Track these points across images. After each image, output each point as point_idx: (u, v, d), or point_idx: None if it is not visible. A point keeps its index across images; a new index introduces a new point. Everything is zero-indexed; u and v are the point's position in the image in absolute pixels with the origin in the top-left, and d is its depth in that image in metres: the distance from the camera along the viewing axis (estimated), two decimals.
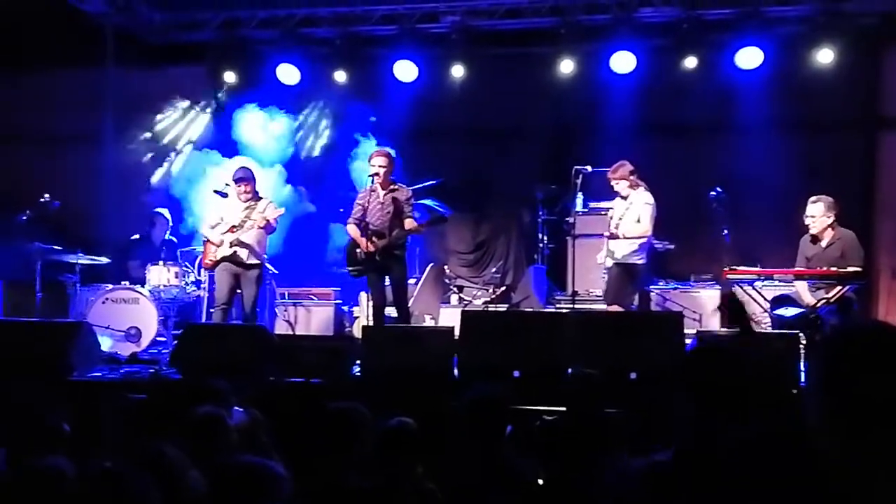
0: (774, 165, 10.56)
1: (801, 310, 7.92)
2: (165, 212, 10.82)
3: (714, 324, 9.81)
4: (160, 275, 9.80)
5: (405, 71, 11.27)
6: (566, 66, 10.99)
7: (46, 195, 9.74)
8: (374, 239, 8.43)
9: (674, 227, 10.32)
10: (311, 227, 11.19)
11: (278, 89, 11.66)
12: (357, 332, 9.89)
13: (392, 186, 8.60)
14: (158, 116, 12.14)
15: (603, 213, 9.19)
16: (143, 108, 12.04)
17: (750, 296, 8.37)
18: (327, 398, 5.43)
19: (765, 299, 8.32)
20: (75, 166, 11.64)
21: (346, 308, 10.93)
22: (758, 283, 8.23)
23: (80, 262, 9.99)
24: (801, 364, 6.56)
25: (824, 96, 10.70)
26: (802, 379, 6.48)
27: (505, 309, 10.97)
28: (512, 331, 7.16)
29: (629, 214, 8.76)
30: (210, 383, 4.76)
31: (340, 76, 11.55)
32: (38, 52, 11.37)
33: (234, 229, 8.94)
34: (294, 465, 4.07)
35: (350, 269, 8.76)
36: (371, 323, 8.51)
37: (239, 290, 8.98)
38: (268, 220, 8.83)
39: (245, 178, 9.08)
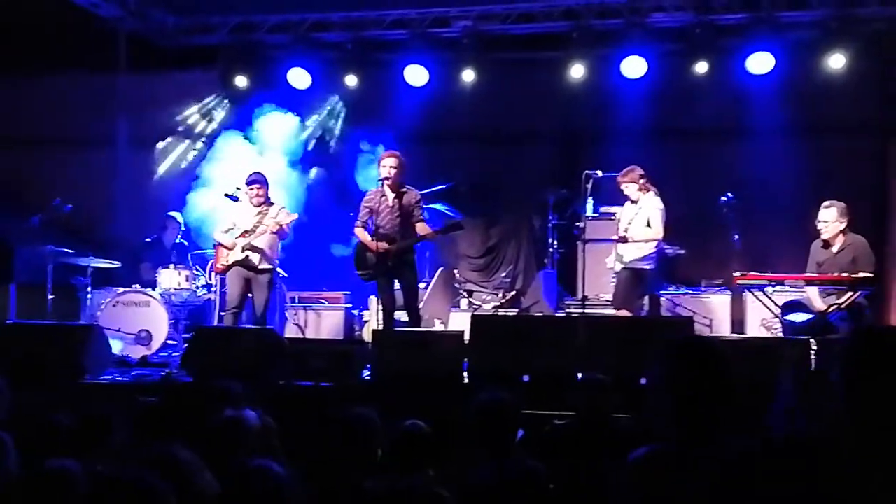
0: (785, 171, 10.54)
1: (812, 315, 7.89)
2: (178, 215, 10.85)
3: (724, 329, 9.79)
4: (171, 278, 9.83)
5: (416, 75, 11.29)
6: (577, 71, 10.99)
7: (58, 199, 9.78)
8: (384, 243, 8.39)
9: (684, 232, 10.30)
10: (321, 231, 11.21)
11: (289, 93, 11.70)
12: (367, 336, 9.89)
13: (402, 190, 8.57)
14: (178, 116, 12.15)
15: (612, 217, 9.17)
16: (155, 112, 12.07)
17: (761, 301, 8.35)
18: (337, 402, 5.44)
19: (776, 305, 8.30)
20: (88, 170, 11.70)
21: (356, 312, 10.94)
22: (768, 289, 8.22)
23: (91, 265, 10.03)
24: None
25: (836, 101, 10.68)
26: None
27: (515, 314, 10.95)
28: (522, 335, 7.16)
29: (638, 219, 8.75)
30: (224, 385, 4.76)
31: (351, 80, 11.58)
32: (51, 56, 11.42)
33: (247, 234, 8.93)
34: (304, 468, 4.08)
35: (360, 272, 8.74)
36: (381, 327, 8.50)
37: (250, 295, 8.98)
38: (281, 226, 8.82)
39: (257, 181, 9.06)
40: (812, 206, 8.29)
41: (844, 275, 7.71)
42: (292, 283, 10.78)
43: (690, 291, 10.38)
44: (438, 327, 10.33)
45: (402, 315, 8.79)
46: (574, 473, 4.25)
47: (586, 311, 9.49)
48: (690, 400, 2.73)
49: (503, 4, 11.23)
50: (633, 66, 10.76)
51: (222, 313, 9.14)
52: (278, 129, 11.60)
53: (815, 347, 6.65)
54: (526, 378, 6.83)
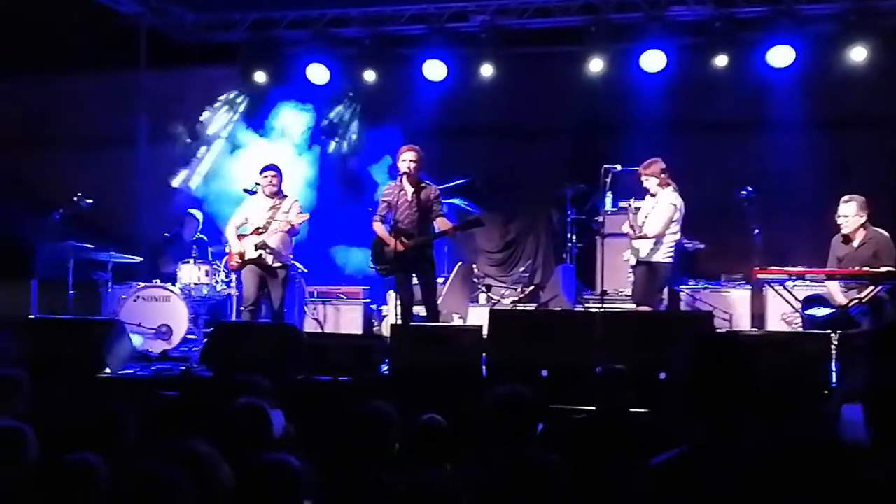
0: (806, 164, 10.49)
1: (833, 310, 7.85)
2: (196, 212, 10.89)
3: (744, 324, 9.75)
4: (191, 273, 9.87)
5: (434, 70, 11.29)
6: (596, 65, 10.96)
7: (79, 194, 9.84)
8: (402, 239, 8.39)
9: (704, 227, 10.25)
10: (342, 225, 11.24)
11: (308, 88, 11.73)
12: (386, 330, 9.90)
13: (421, 185, 8.55)
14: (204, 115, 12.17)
15: (633, 212, 9.13)
16: (175, 108, 12.12)
17: (781, 296, 8.31)
18: (355, 397, 5.46)
19: (796, 299, 8.25)
20: (108, 166, 11.78)
21: (374, 307, 10.96)
22: (789, 283, 8.17)
23: (112, 260, 10.09)
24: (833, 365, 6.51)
25: (857, 95, 10.61)
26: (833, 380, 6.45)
27: (533, 308, 10.94)
28: (540, 330, 7.14)
29: (654, 213, 8.71)
30: (249, 380, 4.78)
31: (370, 76, 11.59)
32: (72, 53, 11.50)
33: (259, 231, 8.94)
34: (322, 463, 4.10)
35: (378, 267, 8.74)
36: (399, 322, 8.51)
37: (266, 290, 8.99)
38: (292, 224, 8.81)
39: (272, 168, 9.07)
40: (832, 200, 8.22)
41: (865, 269, 7.66)
42: (311, 278, 10.80)
43: (710, 286, 10.33)
44: (457, 322, 10.33)
45: (420, 310, 8.79)
46: (592, 469, 4.24)
47: (605, 305, 9.47)
48: (713, 397, 2.72)
49: None
50: (653, 60, 10.72)
51: (241, 309, 9.17)
52: (297, 124, 11.64)
53: (835, 342, 6.61)
54: (544, 373, 6.81)
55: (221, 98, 12.18)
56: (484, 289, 11.67)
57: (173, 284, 9.85)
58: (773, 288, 8.50)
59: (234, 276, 9.80)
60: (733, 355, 2.79)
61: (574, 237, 11.13)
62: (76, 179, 11.10)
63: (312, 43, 11.65)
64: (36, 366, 7.02)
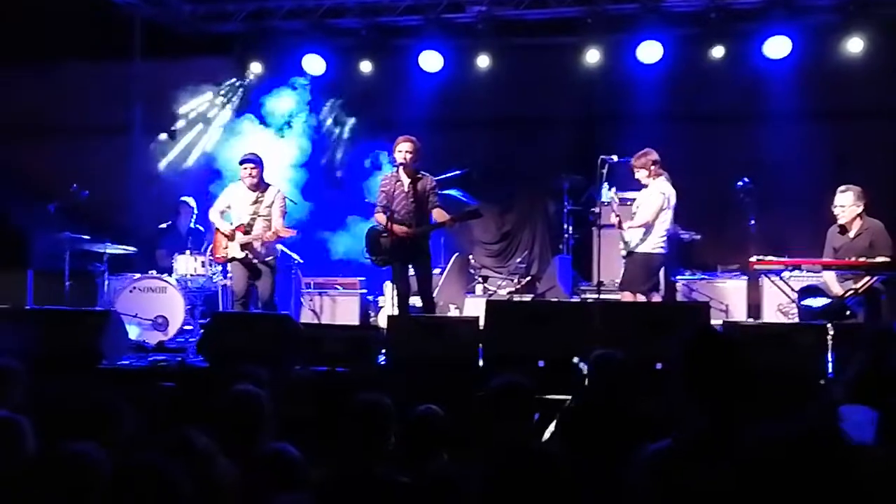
0: (802, 155, 10.49)
1: (829, 300, 7.86)
2: (190, 200, 10.87)
3: (741, 314, 9.76)
4: (187, 264, 9.86)
5: (430, 61, 11.27)
6: (592, 56, 10.96)
7: (75, 185, 9.82)
8: (403, 227, 8.37)
9: (701, 217, 10.26)
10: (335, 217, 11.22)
11: (305, 79, 11.70)
12: (382, 321, 9.90)
13: (417, 175, 8.53)
14: (184, 107, 12.13)
15: (629, 203, 9.13)
16: (171, 99, 12.09)
17: (777, 286, 8.32)
18: (352, 387, 5.45)
19: (792, 290, 8.26)
20: (104, 157, 11.76)
21: (371, 298, 10.96)
22: (785, 274, 8.18)
23: (108, 251, 10.08)
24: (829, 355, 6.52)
25: (854, 85, 10.62)
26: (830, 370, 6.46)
27: (530, 299, 10.95)
28: (537, 321, 7.14)
29: (643, 203, 8.72)
30: (245, 370, 4.77)
31: (366, 66, 11.58)
32: (67, 43, 11.45)
33: (245, 230, 8.83)
34: (319, 453, 4.10)
35: (374, 258, 8.73)
36: (396, 312, 8.51)
37: (255, 281, 8.94)
38: (279, 235, 8.71)
39: (250, 160, 8.87)
40: (829, 190, 8.23)
41: (861, 259, 7.67)
42: (308, 268, 10.79)
43: (706, 276, 10.34)
44: (454, 313, 10.34)
45: (417, 301, 8.79)
46: (590, 455, 4.24)
47: (601, 296, 9.47)
48: (708, 390, 2.73)
49: None
50: (649, 51, 10.72)
51: (234, 301, 9.14)
52: (292, 114, 11.61)
53: (831, 332, 6.62)
54: (541, 363, 6.82)
55: (212, 92, 12.17)
56: (480, 280, 11.68)
57: (169, 275, 9.84)
58: (769, 278, 8.51)
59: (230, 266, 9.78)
60: (726, 350, 2.80)
61: (570, 228, 11.14)
62: (72, 170, 11.08)
63: (309, 33, 11.62)
64: (32, 357, 7.01)
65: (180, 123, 12.02)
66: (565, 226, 11.17)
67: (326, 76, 11.77)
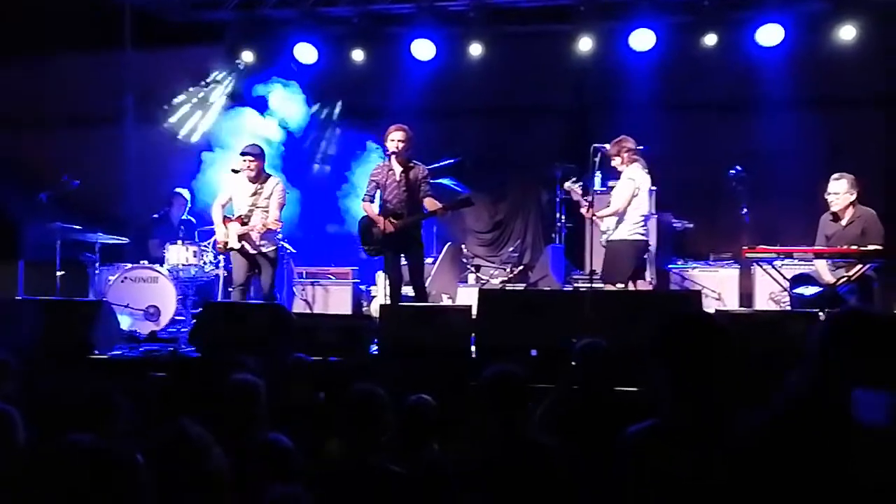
0: (795, 143, 10.50)
1: (821, 288, 7.87)
2: (184, 191, 10.85)
3: (733, 303, 9.78)
4: (179, 254, 9.85)
5: (423, 49, 11.23)
6: (585, 44, 10.94)
7: (66, 175, 9.78)
8: (391, 219, 8.37)
9: (693, 206, 10.26)
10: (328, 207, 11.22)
11: (296, 67, 11.67)
12: (374, 311, 9.90)
13: (409, 164, 8.51)
14: (176, 99, 12.06)
15: (582, 192, 9.12)
16: (162, 88, 12.04)
17: (769, 275, 8.33)
18: (345, 377, 5.45)
19: (784, 278, 8.27)
20: (96, 146, 11.71)
21: (363, 287, 10.95)
22: (777, 262, 8.18)
23: (99, 241, 10.07)
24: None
25: (846, 73, 10.61)
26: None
27: (522, 288, 10.95)
28: (529, 310, 7.13)
29: (615, 190, 8.73)
30: (238, 360, 4.76)
31: (358, 55, 11.54)
32: (57, 33, 11.39)
33: (242, 220, 8.84)
34: (311, 443, 4.09)
35: (366, 247, 8.72)
36: (388, 302, 8.50)
37: (255, 271, 8.94)
38: (269, 229, 8.73)
39: (251, 153, 8.88)
40: (821, 178, 8.23)
41: (853, 247, 7.68)
42: (300, 258, 10.78)
43: (699, 265, 10.36)
44: (446, 302, 10.34)
45: (410, 290, 8.79)
46: (581, 443, 4.25)
47: (594, 285, 9.47)
48: (689, 378, 2.73)
49: None
50: (642, 39, 10.69)
51: (230, 289, 9.14)
52: (285, 103, 11.59)
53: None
54: (534, 352, 6.82)
55: (203, 81, 12.12)
56: (473, 269, 11.67)
57: (161, 265, 9.82)
58: (761, 267, 8.51)
59: (222, 257, 9.76)
60: (709, 335, 2.79)
61: (563, 217, 11.14)
62: (63, 160, 11.05)
63: (300, 22, 11.56)
64: (23, 347, 7.00)
65: (176, 116, 11.96)
66: (558, 215, 11.17)
67: (318, 65, 11.73)
